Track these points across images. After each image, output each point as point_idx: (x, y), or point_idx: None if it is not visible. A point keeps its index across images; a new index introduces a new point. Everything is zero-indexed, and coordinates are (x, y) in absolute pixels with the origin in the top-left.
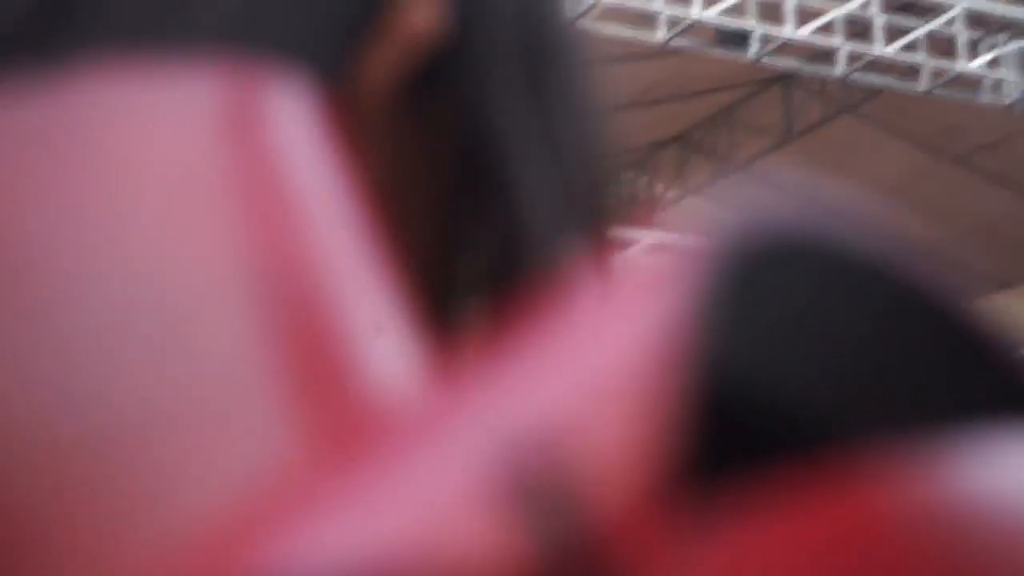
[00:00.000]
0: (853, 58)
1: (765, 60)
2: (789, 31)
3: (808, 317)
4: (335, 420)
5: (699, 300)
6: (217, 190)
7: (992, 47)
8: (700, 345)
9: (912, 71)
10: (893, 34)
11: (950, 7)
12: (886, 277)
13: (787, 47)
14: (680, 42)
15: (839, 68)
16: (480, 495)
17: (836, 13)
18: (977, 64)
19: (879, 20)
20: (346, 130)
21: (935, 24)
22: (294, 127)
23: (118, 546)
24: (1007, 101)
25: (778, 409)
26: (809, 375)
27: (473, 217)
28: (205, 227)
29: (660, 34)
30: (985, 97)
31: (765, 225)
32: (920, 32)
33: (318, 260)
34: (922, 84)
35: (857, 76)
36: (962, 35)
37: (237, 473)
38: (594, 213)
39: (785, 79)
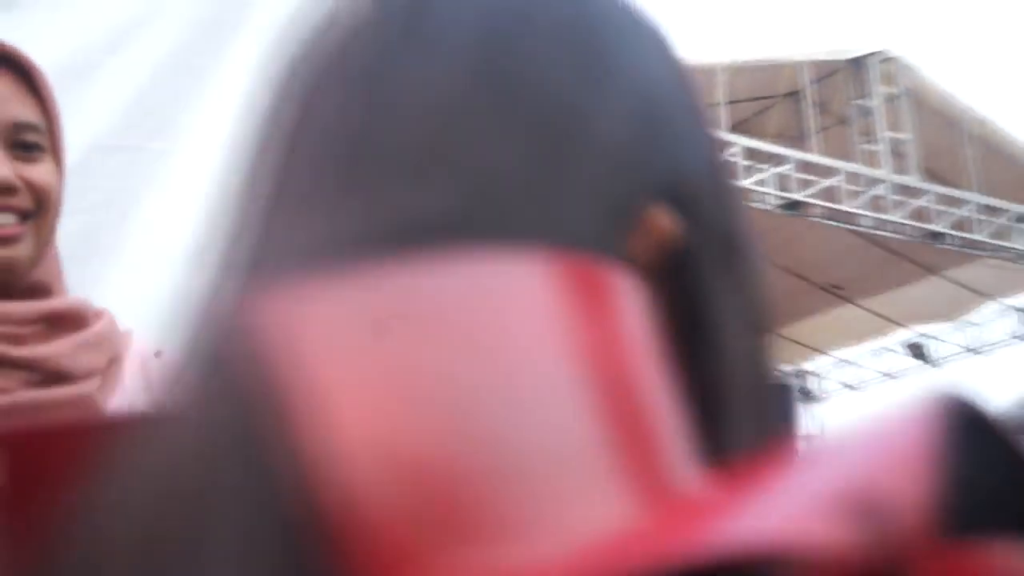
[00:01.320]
0: None
1: None
2: None
3: (997, 461)
4: (651, 486)
5: (938, 436)
6: (566, 333)
7: (759, 171)
8: (941, 460)
9: None
10: None
11: (733, 144)
12: None
13: None
14: None
15: None
16: (825, 513)
17: None
18: (749, 182)
19: None
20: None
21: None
22: (615, 295)
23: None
24: (768, 207)
25: (997, 512)
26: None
27: (689, 361)
28: (558, 353)
29: None
30: (755, 205)
31: (959, 402)
32: None
33: (638, 378)
34: None
35: None
36: (741, 163)
37: (587, 515)
38: (767, 352)
39: None
